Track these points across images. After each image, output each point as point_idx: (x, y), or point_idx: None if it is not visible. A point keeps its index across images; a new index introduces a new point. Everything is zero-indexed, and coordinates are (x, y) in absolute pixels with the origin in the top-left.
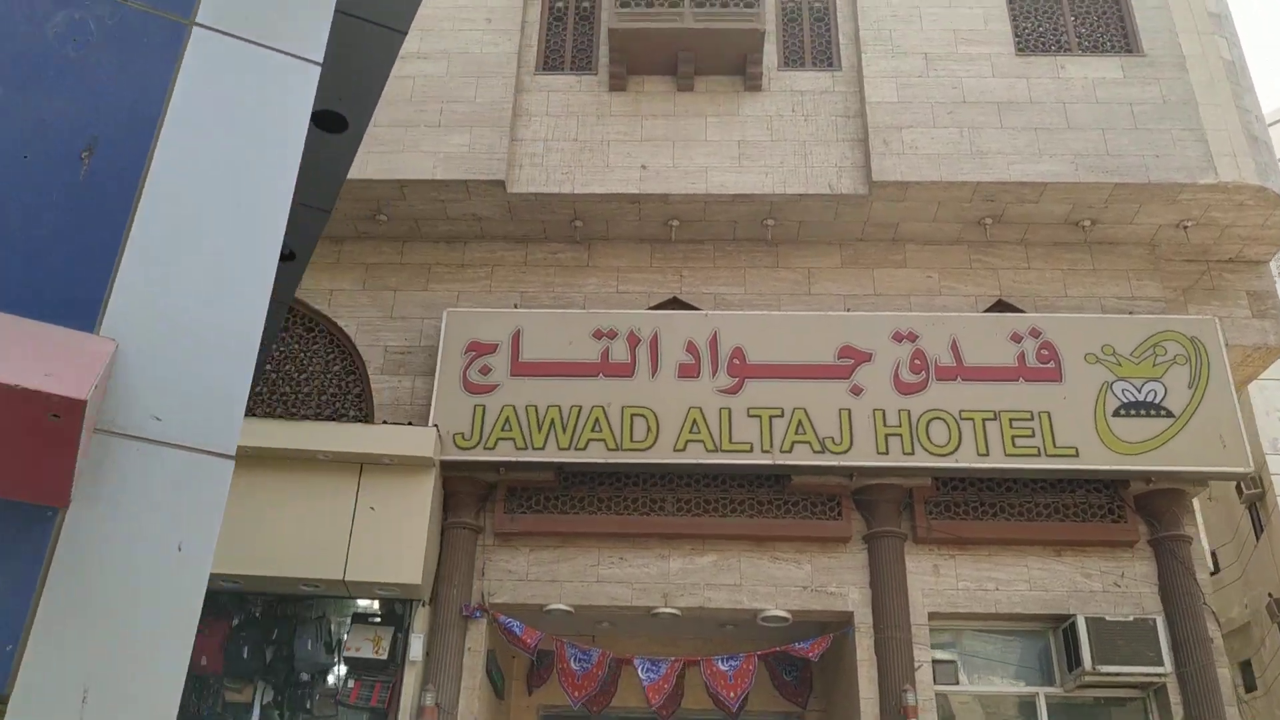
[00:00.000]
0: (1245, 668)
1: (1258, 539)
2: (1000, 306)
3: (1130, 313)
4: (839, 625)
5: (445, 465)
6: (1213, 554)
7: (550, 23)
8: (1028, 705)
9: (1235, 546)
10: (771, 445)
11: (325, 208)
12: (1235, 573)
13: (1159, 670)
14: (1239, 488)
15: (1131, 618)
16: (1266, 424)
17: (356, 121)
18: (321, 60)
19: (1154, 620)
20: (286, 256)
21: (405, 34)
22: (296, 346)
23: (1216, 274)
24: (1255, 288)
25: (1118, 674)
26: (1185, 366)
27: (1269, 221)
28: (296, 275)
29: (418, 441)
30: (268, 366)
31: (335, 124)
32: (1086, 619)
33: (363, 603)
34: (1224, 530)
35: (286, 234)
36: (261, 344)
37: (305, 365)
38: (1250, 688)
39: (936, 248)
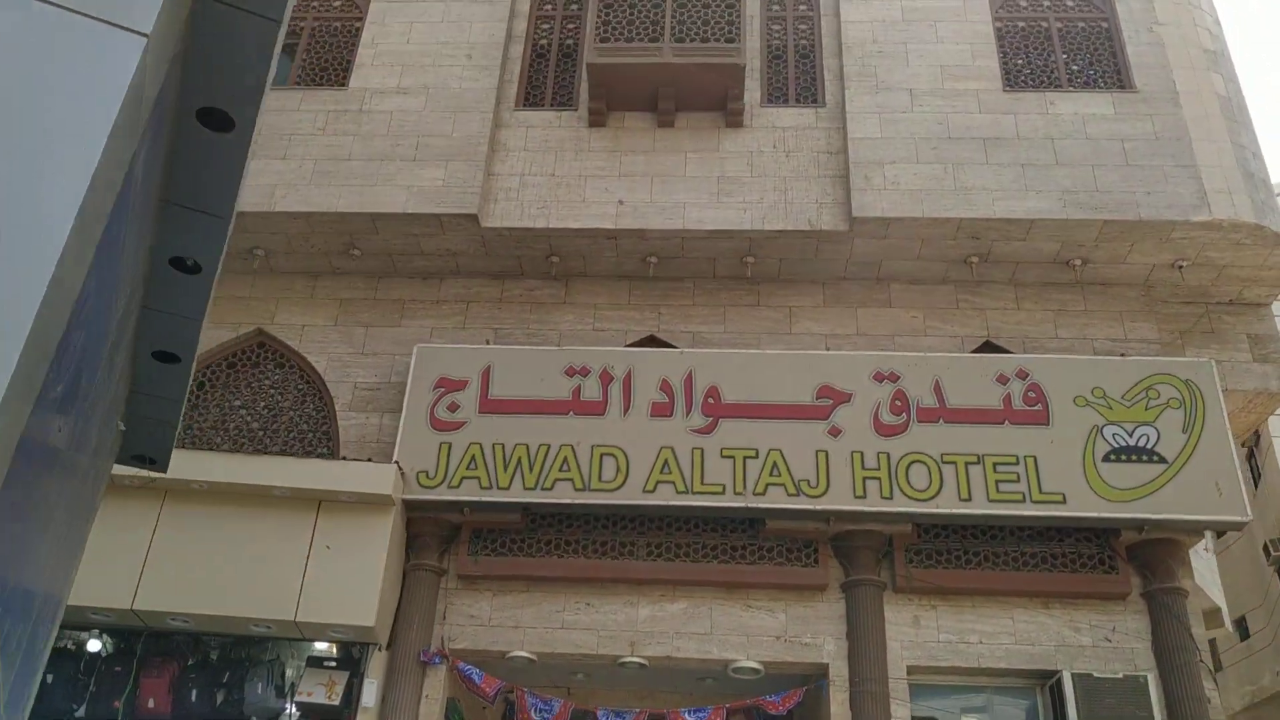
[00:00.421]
0: None
1: None
2: (988, 348)
3: (1123, 355)
4: (814, 678)
5: (409, 505)
6: (1241, 619)
7: (533, 59)
8: None
9: (1265, 611)
10: (744, 487)
11: (223, 214)
12: (1266, 638)
13: None
14: (1266, 549)
15: (1121, 674)
16: None
17: (242, 119)
18: (149, 31)
19: (1145, 678)
20: (191, 268)
21: (280, 22)
22: (268, 384)
23: (1216, 316)
24: (1256, 331)
25: None
26: (1179, 410)
27: (1268, 261)
28: (206, 289)
29: (377, 478)
30: (236, 402)
31: (221, 122)
32: (1073, 675)
33: (321, 646)
34: (1253, 594)
35: (186, 244)
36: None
37: (277, 402)
38: None
39: (922, 287)
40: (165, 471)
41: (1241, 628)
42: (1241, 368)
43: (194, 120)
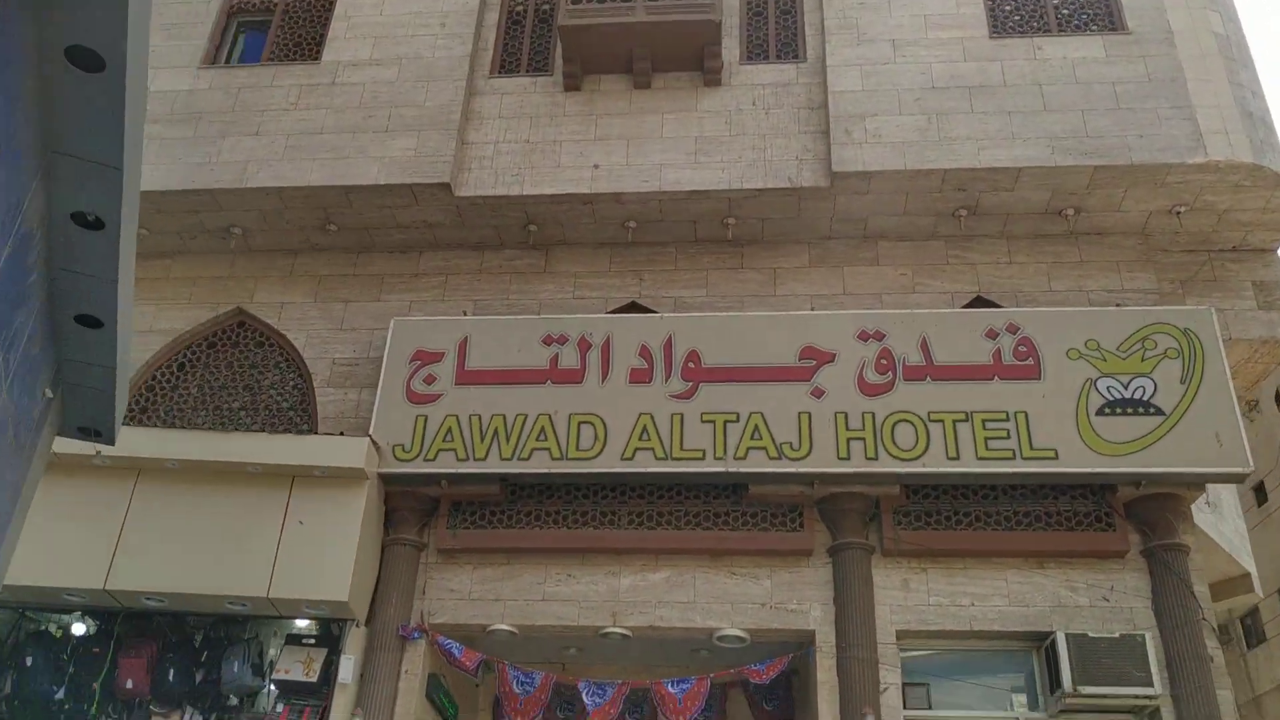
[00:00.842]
0: None
1: None
2: (979, 303)
3: (1118, 305)
4: (801, 645)
5: (386, 479)
6: None
7: (508, 26)
8: None
9: None
10: (725, 452)
11: (114, 163)
12: None
13: (1148, 692)
14: None
15: (1118, 634)
16: None
17: (113, 57)
18: None
19: (1143, 637)
20: (94, 224)
21: None
22: (248, 363)
23: (1219, 264)
24: (1262, 277)
25: (1102, 696)
26: (1177, 361)
27: (1271, 204)
28: (114, 248)
29: (348, 452)
30: (216, 382)
31: (91, 61)
32: (1067, 636)
33: (301, 624)
34: None
35: (83, 197)
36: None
37: (257, 381)
38: None
39: (911, 244)
40: (112, 444)
41: None
42: (1246, 315)
43: (64, 61)
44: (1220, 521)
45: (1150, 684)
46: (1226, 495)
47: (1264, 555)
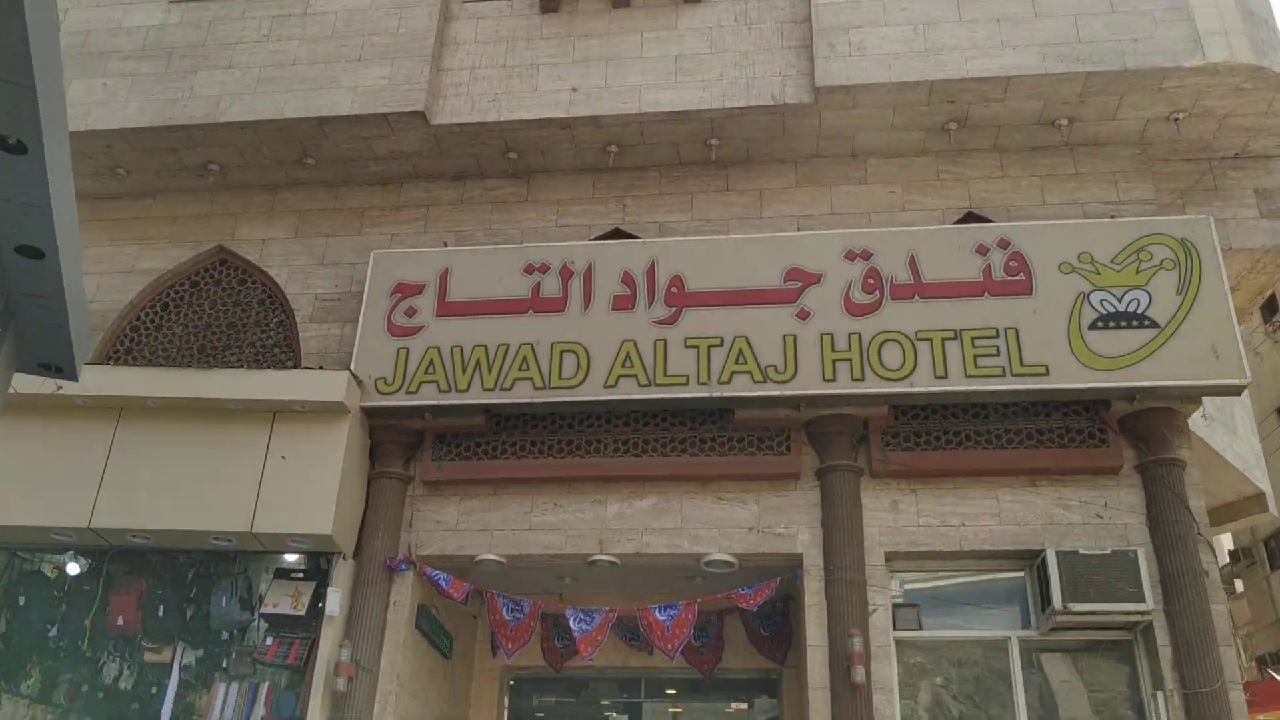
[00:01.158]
0: None
1: None
2: (970, 219)
3: (1112, 217)
4: (789, 569)
5: (369, 413)
6: None
7: None
8: (999, 651)
9: None
10: (709, 377)
11: (24, 81)
12: None
13: (1141, 608)
14: None
15: (1110, 550)
16: None
17: None
18: None
19: (1135, 553)
20: (15, 147)
21: None
22: (231, 300)
23: (1220, 172)
24: (1264, 185)
25: (1093, 613)
26: (1173, 271)
27: (1273, 108)
28: (39, 170)
29: (329, 386)
30: (200, 321)
31: None
32: (1058, 553)
33: (291, 559)
34: None
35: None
36: None
37: (240, 318)
38: None
39: (901, 160)
40: (75, 380)
41: None
42: (1248, 224)
43: None
44: (1235, 441)
45: (1142, 599)
46: (1241, 414)
47: None
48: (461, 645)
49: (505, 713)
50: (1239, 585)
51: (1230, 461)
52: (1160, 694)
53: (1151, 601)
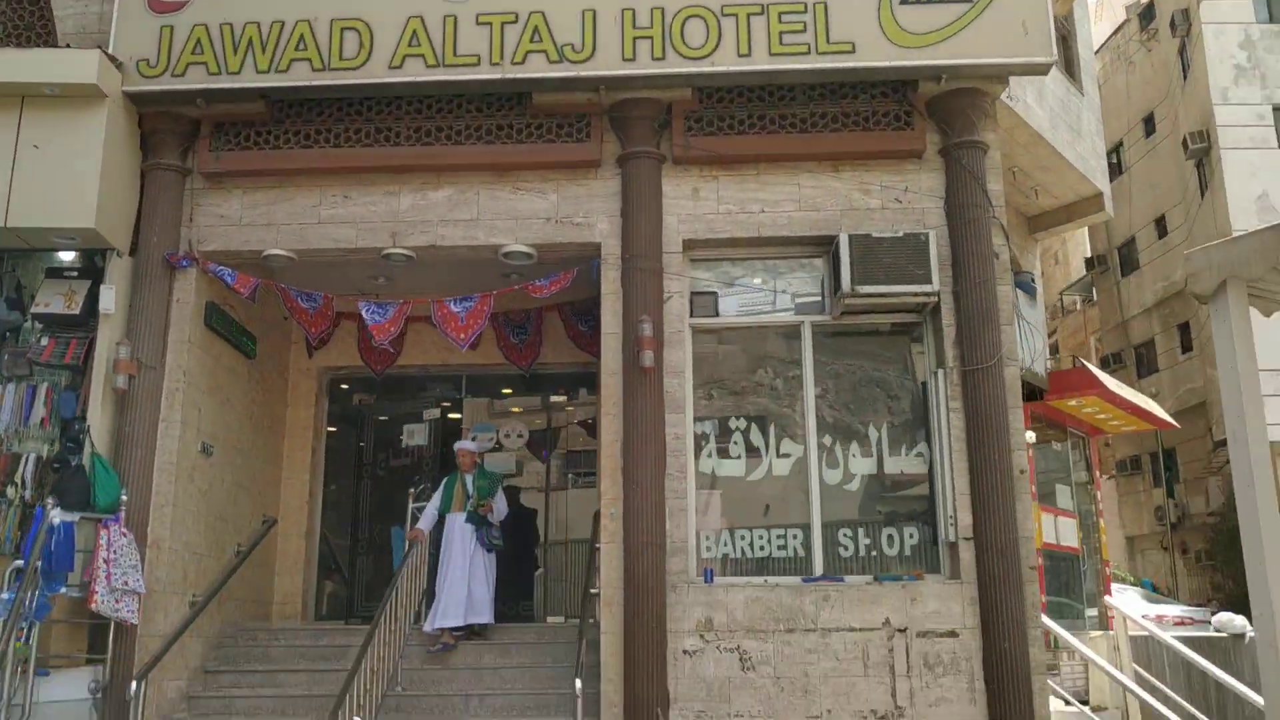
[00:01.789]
0: (1184, 330)
1: (1203, 196)
2: None
3: None
4: (587, 259)
5: (135, 99)
6: (1160, 218)
7: None
8: (793, 336)
9: (1184, 208)
10: (502, 57)
11: None
12: (1182, 235)
13: (927, 289)
14: (1185, 143)
15: (901, 233)
16: (1218, 72)
17: None
18: None
19: (926, 235)
20: None
21: None
22: None
23: None
24: None
25: (881, 295)
26: None
27: None
28: None
29: (79, 66)
30: None
31: None
32: (850, 237)
33: (65, 257)
34: (1173, 191)
35: None
36: None
37: None
38: (1186, 348)
39: None
40: None
41: (1160, 226)
42: None
43: None
44: (1077, 140)
45: (929, 281)
46: (1088, 115)
47: (1143, 184)
48: (271, 346)
49: (325, 411)
50: (1095, 292)
51: (1071, 163)
52: (941, 371)
53: (938, 283)
